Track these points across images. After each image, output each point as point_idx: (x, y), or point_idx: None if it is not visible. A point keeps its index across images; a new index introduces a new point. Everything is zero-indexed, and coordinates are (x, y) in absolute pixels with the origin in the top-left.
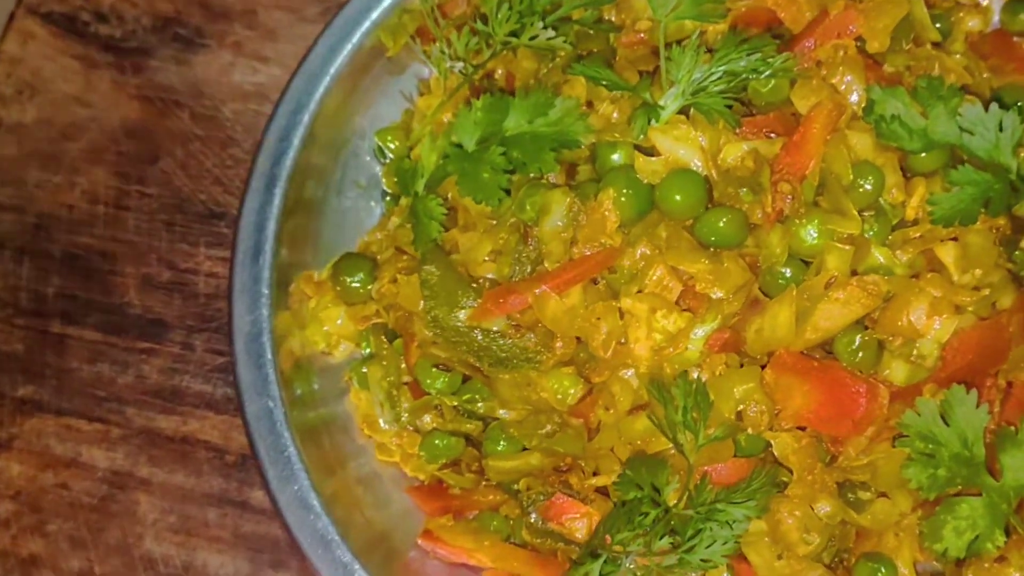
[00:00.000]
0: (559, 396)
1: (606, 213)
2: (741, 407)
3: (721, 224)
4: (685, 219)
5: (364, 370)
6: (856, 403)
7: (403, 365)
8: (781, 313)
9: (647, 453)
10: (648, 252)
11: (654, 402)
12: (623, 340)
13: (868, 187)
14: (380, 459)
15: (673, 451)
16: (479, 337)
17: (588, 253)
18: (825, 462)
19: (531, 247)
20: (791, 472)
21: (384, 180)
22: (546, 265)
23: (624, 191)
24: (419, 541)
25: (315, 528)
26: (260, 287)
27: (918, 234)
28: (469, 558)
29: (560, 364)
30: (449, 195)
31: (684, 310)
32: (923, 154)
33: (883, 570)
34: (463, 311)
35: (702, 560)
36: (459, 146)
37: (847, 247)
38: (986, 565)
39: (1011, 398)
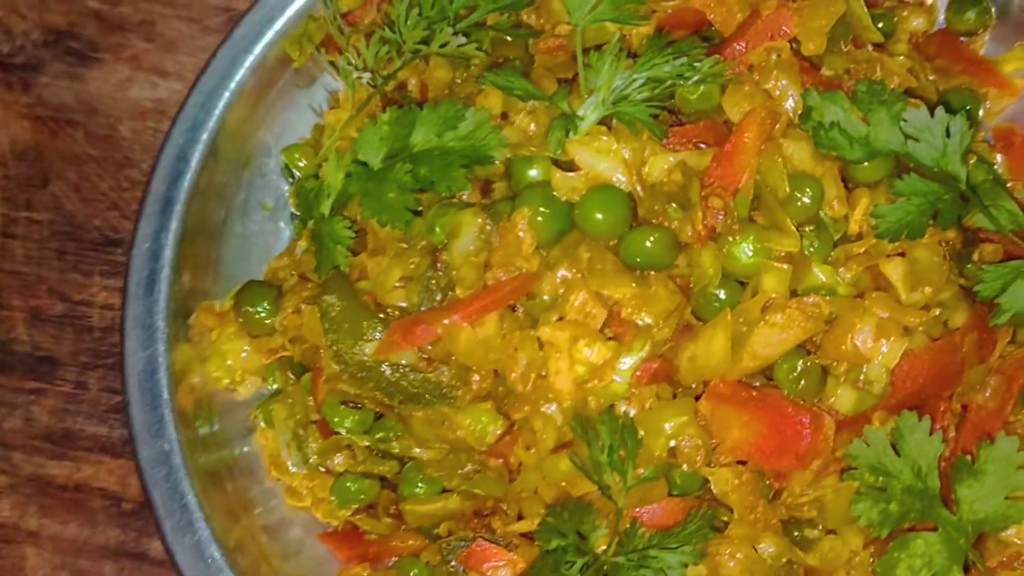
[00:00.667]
0: (477, 434)
1: (521, 234)
2: (674, 442)
3: (648, 244)
4: (608, 239)
5: (271, 408)
6: (800, 434)
7: (311, 402)
8: (715, 339)
9: (572, 496)
10: (569, 276)
11: (578, 441)
12: (543, 373)
13: (806, 200)
14: (290, 504)
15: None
16: (387, 372)
17: (503, 278)
18: (768, 499)
19: (441, 272)
20: (731, 511)
21: (292, 201)
22: (458, 292)
23: (540, 210)
24: None
25: None
26: (155, 320)
27: (862, 250)
28: None
29: (477, 399)
30: (358, 217)
31: (609, 339)
32: (865, 163)
33: None
34: (369, 344)
35: None
36: (364, 164)
37: (785, 266)
38: None
39: (967, 423)
